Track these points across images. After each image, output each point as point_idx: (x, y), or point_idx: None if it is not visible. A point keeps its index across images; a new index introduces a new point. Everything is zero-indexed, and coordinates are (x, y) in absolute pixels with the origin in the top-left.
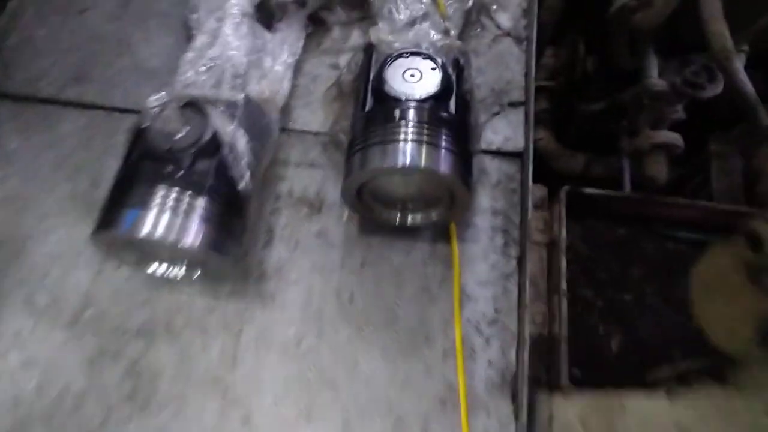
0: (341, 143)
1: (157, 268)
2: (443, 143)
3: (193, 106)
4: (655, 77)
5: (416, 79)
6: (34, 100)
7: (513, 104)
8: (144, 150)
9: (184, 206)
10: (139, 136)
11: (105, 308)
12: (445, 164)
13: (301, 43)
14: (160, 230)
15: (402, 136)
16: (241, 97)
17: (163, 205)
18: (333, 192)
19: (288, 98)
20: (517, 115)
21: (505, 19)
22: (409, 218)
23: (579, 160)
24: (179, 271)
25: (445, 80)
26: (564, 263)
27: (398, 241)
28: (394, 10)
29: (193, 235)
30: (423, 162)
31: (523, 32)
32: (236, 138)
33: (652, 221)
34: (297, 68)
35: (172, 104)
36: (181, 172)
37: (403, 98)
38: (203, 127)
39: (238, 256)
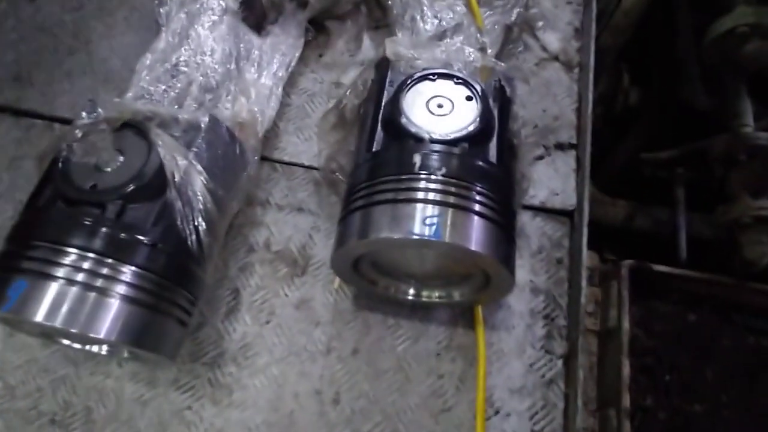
0: (337, 185)
1: (72, 343)
2: (478, 207)
3: (135, 129)
4: (752, 126)
5: (445, 112)
6: None
7: (561, 146)
8: (57, 188)
9: (99, 281)
10: (54, 166)
11: (16, 382)
12: (480, 238)
13: (297, 53)
14: (58, 316)
15: (422, 195)
16: (204, 119)
17: (70, 277)
18: (324, 248)
19: (274, 120)
20: (567, 161)
21: (553, 40)
22: (424, 295)
23: (620, 209)
24: (101, 349)
25: (485, 115)
26: (627, 369)
27: (405, 320)
28: (418, 18)
29: (107, 325)
30: (449, 234)
31: (576, 57)
32: (191, 175)
33: (733, 308)
34: (290, 82)
35: (103, 124)
36: (105, 226)
37: (427, 137)
38: (144, 159)
39: (177, 346)
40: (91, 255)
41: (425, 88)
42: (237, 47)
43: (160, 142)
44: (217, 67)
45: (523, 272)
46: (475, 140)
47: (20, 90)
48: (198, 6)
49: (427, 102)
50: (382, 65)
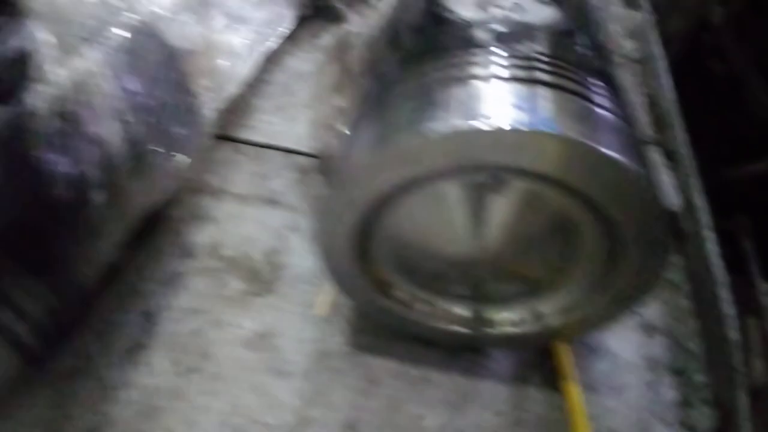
0: (333, 171)
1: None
2: (598, 98)
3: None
4: None
5: (506, 10)
6: None
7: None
8: None
9: None
10: None
11: None
12: (612, 139)
13: (288, 24)
14: None
15: (504, 71)
16: (131, 20)
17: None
18: (304, 255)
19: (247, 97)
20: (651, 158)
21: None
22: (491, 319)
23: None
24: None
25: (569, 15)
26: None
27: (439, 372)
28: None
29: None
30: (566, 124)
31: (631, 52)
32: (91, 86)
33: None
34: (275, 59)
35: None
36: None
37: (490, 27)
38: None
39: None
40: None
41: None
42: None
43: (39, 26)
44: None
45: None
46: (563, 31)
47: None
48: None
49: (479, 2)
50: None
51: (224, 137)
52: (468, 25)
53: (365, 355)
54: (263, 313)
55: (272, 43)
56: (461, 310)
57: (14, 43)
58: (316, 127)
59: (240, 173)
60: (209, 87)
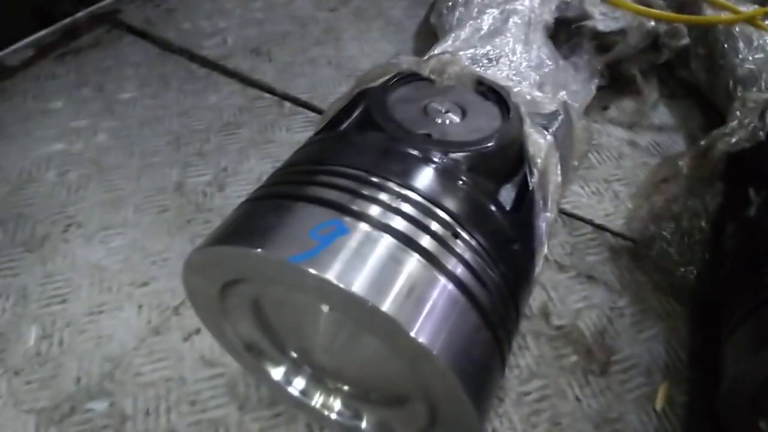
0: (651, 261)
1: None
2: None
3: (486, 89)
4: None
5: None
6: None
7: None
8: (374, 124)
9: (436, 247)
10: (367, 99)
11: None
12: None
13: (588, 94)
14: (362, 277)
15: None
16: (555, 106)
17: (382, 220)
18: (632, 342)
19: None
20: None
21: None
22: None
23: None
24: (331, 400)
25: None
26: None
27: None
28: None
29: (431, 328)
30: None
31: None
32: (549, 164)
33: None
34: None
35: (465, 70)
36: (456, 182)
37: None
38: (497, 124)
39: (491, 405)
40: (439, 211)
41: None
42: (554, 60)
43: (523, 116)
44: (531, 70)
45: None
46: None
47: (256, 62)
48: (515, 7)
49: None
50: None
51: None
52: None
53: None
54: (603, 395)
55: (582, 106)
56: None
57: (514, 131)
58: (635, 217)
59: (555, 240)
60: (575, 167)
